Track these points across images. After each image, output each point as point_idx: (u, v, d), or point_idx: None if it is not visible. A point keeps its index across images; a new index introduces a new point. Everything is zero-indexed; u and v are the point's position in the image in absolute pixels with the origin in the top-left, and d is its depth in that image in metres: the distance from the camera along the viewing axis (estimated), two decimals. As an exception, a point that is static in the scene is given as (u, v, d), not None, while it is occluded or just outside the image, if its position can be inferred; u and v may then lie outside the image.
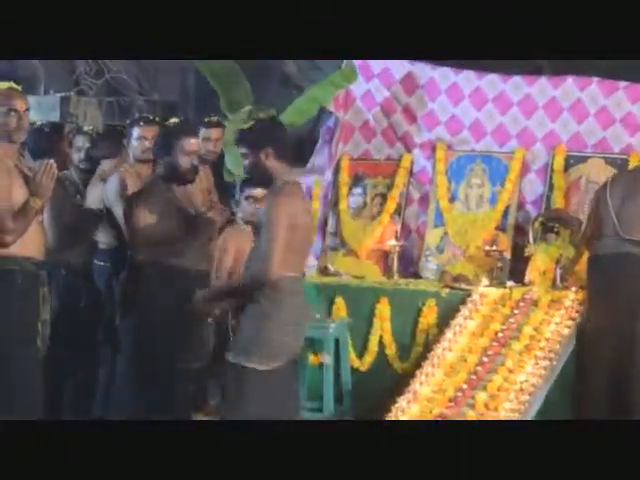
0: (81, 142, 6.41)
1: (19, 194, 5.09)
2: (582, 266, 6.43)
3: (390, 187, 7.69)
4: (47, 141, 6.03)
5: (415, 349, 6.64)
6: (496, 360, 5.99)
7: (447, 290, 6.73)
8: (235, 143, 4.94)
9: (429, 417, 5.60)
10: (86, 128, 6.81)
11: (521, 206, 7.28)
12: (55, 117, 7.54)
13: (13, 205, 5.03)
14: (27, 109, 5.23)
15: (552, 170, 7.19)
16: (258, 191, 5.75)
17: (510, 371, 5.84)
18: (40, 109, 7.20)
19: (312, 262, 7.26)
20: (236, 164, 7.53)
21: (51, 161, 5.55)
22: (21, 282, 5.10)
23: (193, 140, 5.66)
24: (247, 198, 5.94)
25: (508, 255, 7.06)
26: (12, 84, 5.33)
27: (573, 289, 6.35)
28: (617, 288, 6.01)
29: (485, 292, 6.55)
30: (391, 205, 7.64)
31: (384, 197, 7.71)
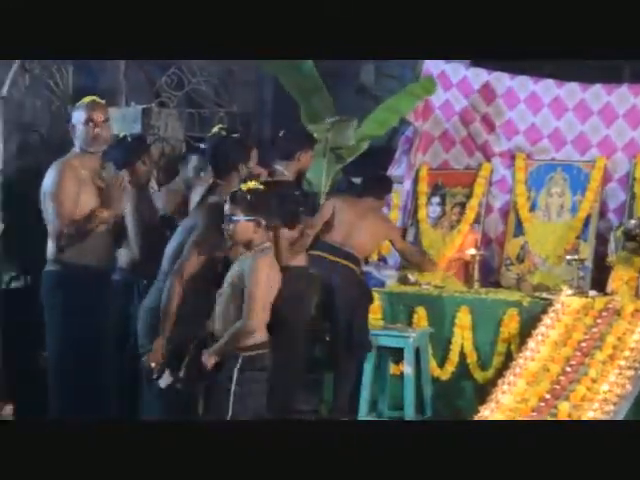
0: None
1: (88, 203, 5.22)
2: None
3: (469, 196, 7.70)
4: (130, 153, 6.11)
5: (496, 358, 6.63)
6: (579, 370, 5.93)
7: (529, 299, 6.71)
8: None
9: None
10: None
11: (603, 215, 7.24)
12: (137, 129, 7.61)
13: (77, 213, 5.16)
14: (106, 120, 5.34)
15: (634, 178, 7.15)
16: None
17: (593, 381, 5.78)
18: (124, 121, 7.28)
19: (392, 272, 7.29)
20: (316, 175, 7.60)
21: (122, 174, 5.67)
22: (73, 289, 5.24)
23: None
24: None
25: (590, 264, 7.02)
26: (95, 98, 5.47)
27: (658, 298, 6.30)
28: None
29: (567, 301, 6.51)
30: (470, 214, 7.64)
31: (463, 206, 7.71)
